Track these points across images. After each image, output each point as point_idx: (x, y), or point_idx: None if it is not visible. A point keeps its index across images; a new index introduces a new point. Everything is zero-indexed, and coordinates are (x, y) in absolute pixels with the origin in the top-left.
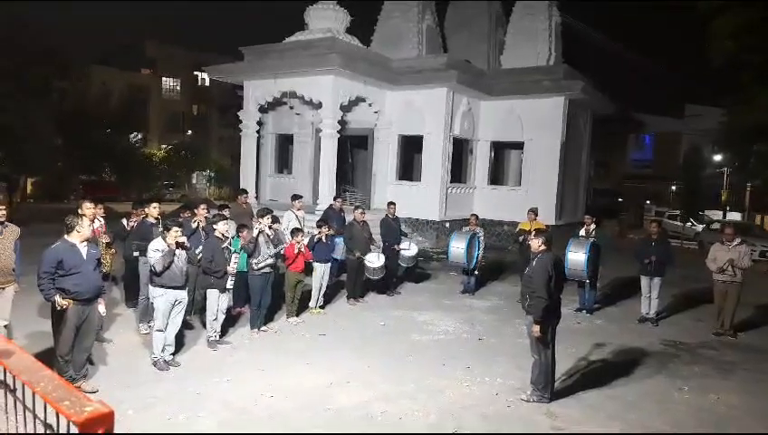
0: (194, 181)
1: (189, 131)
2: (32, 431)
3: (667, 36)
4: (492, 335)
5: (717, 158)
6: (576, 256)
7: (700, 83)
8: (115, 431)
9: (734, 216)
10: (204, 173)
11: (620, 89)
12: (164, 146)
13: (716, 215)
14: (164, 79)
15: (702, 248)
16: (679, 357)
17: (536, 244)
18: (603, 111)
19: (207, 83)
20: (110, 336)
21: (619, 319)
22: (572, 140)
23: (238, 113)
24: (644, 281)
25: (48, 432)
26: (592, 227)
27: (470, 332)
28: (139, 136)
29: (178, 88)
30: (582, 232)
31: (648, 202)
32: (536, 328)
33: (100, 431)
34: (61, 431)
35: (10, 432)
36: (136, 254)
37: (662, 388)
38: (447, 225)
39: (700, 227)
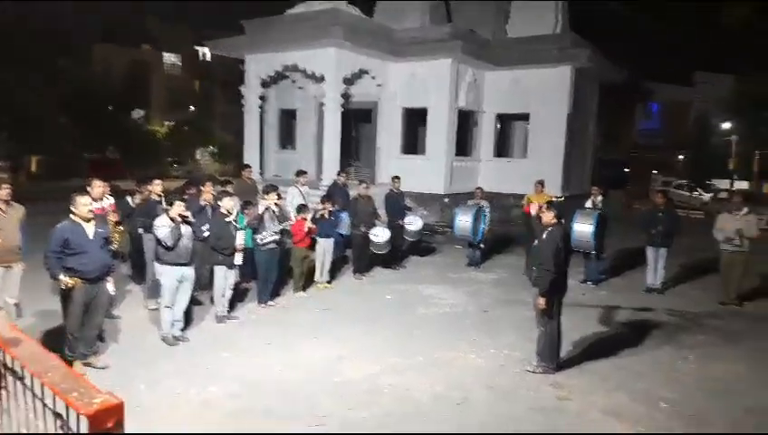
0: (198, 157)
1: (192, 107)
2: (42, 421)
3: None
4: (497, 308)
5: (726, 126)
6: (583, 228)
7: (711, 50)
8: (125, 420)
9: (742, 184)
10: (207, 149)
11: (629, 56)
12: (167, 122)
13: (723, 184)
14: (165, 54)
15: (709, 218)
16: (686, 327)
17: (548, 217)
18: (611, 80)
19: (209, 58)
20: (119, 313)
21: (625, 290)
22: (579, 111)
23: (240, 88)
24: (650, 252)
25: (59, 424)
26: (599, 198)
27: (476, 304)
28: (142, 113)
29: (180, 64)
30: (589, 203)
31: (655, 172)
32: (541, 300)
33: (109, 424)
34: (71, 422)
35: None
36: (141, 231)
37: (668, 358)
38: (448, 199)
39: (707, 197)
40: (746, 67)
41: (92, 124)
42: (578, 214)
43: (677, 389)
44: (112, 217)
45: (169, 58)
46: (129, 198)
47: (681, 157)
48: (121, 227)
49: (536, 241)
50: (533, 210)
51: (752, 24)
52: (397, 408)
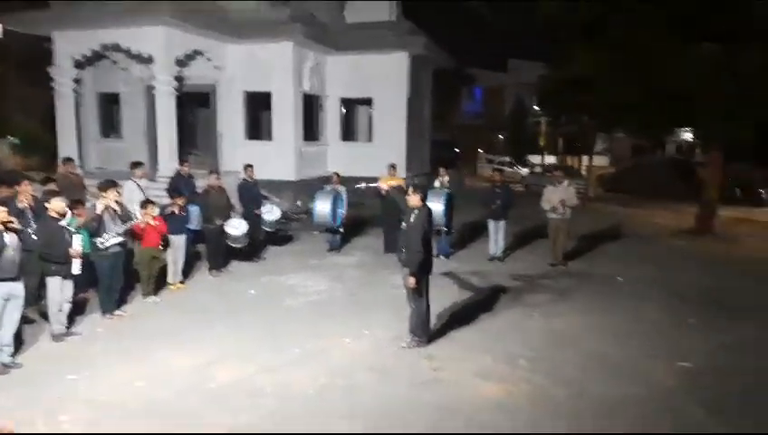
0: None
1: None
2: None
3: None
4: (363, 290)
5: (537, 108)
6: (434, 207)
7: (521, 39)
8: None
9: (550, 159)
10: (6, 140)
11: (456, 43)
12: None
13: (536, 159)
14: None
15: (528, 190)
16: (527, 289)
17: (415, 200)
18: (441, 66)
19: (0, 35)
20: None
21: (472, 260)
22: (416, 95)
23: (48, 70)
24: (491, 225)
25: None
26: (446, 178)
27: (342, 289)
28: None
29: None
30: (437, 183)
31: (480, 151)
32: (412, 280)
33: None
34: None
35: None
36: None
37: (519, 317)
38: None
39: (524, 171)
40: (554, 57)
41: None
42: (429, 194)
43: (530, 345)
44: None
45: None
46: None
47: (501, 136)
48: None
49: (404, 224)
50: (384, 186)
51: (560, 19)
52: (283, 406)
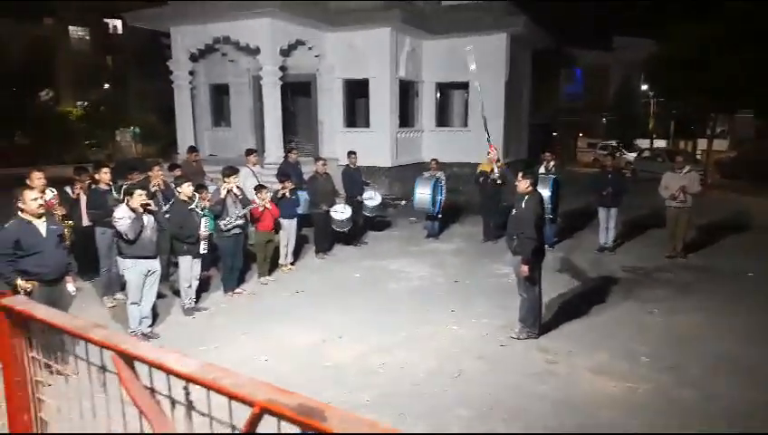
0: (117, 139)
1: (106, 85)
2: None
3: None
4: (465, 277)
5: (644, 88)
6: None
7: (627, 14)
8: None
9: (660, 143)
10: (128, 130)
11: (555, 21)
12: (80, 103)
13: (644, 143)
14: (71, 28)
15: (635, 176)
16: (641, 282)
17: (524, 185)
18: (541, 46)
19: (120, 31)
20: (74, 314)
21: (580, 250)
22: (515, 78)
23: (168, 63)
24: (601, 212)
25: None
26: (552, 163)
27: (444, 275)
28: (50, 93)
29: (88, 38)
30: (542, 169)
31: (580, 135)
32: (525, 268)
33: None
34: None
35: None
36: (89, 223)
37: (634, 313)
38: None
39: (632, 156)
40: (663, 32)
41: None
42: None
43: (649, 342)
44: (59, 211)
45: (75, 32)
46: (68, 189)
47: (604, 119)
48: (70, 221)
49: (514, 210)
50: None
51: None
52: (395, 387)
